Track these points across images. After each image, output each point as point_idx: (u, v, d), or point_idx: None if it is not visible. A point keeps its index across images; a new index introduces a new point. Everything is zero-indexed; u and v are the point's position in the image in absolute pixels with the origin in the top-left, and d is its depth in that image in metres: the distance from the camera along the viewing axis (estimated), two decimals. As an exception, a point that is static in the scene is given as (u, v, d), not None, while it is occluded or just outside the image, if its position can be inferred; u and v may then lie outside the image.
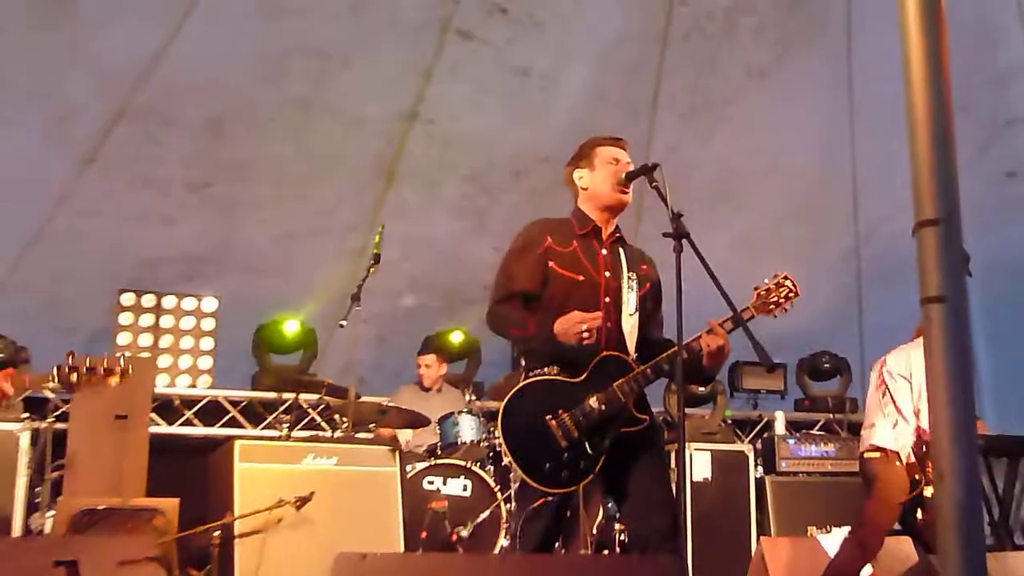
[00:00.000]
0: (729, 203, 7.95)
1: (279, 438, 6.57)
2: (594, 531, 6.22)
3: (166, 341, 7.30)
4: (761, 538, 6.34)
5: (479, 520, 5.98)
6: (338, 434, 6.61)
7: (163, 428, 7.26)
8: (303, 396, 7.32)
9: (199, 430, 7.46)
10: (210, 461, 5.70)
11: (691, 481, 7.01)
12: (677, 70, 7.34)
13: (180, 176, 7.07)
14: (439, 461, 6.26)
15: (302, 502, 5.05)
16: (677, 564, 3.13)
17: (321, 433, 7.52)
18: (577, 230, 3.78)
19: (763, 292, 3.63)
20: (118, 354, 4.58)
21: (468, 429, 6.43)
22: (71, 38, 6.20)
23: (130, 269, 7.40)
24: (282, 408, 7.61)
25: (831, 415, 8.53)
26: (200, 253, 7.52)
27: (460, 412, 6.52)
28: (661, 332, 3.86)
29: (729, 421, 8.04)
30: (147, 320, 7.26)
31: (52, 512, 5.66)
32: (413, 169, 7.49)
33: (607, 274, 3.71)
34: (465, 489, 6.17)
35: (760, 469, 7.39)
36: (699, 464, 7.09)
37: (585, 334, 3.45)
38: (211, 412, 7.53)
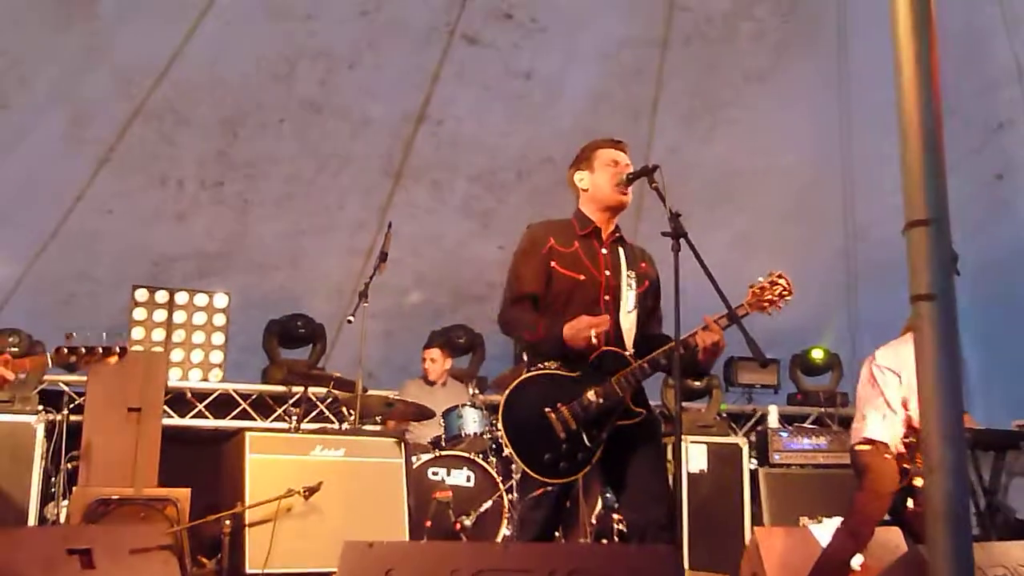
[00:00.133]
0: (727, 203, 7.97)
1: (288, 430, 6.67)
2: (593, 521, 6.24)
3: (179, 336, 7.34)
4: (755, 528, 6.39)
5: (482, 510, 6.04)
6: (346, 426, 6.69)
7: (175, 420, 7.29)
8: (312, 389, 7.27)
9: (210, 422, 7.48)
10: (221, 452, 5.76)
11: (687, 473, 7.04)
12: (677, 74, 7.35)
13: (193, 175, 7.12)
14: (443, 453, 6.31)
15: (310, 492, 5.14)
16: (673, 553, 3.11)
17: (329, 425, 7.49)
18: (578, 231, 3.81)
19: (758, 290, 3.64)
20: (117, 344, 4.69)
21: (471, 422, 6.46)
22: (90, 39, 6.25)
23: (145, 266, 7.45)
24: (291, 401, 7.62)
25: (823, 409, 8.56)
26: (212, 250, 7.57)
27: (464, 405, 6.55)
28: (660, 328, 3.90)
29: (724, 415, 8.05)
30: (160, 315, 7.29)
31: (67, 502, 5.76)
32: (420, 169, 7.52)
33: (607, 273, 3.74)
34: (469, 480, 6.23)
35: (754, 461, 7.43)
36: (695, 456, 7.14)
37: (594, 340, 3.52)
38: (222, 405, 7.56)
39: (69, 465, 6.07)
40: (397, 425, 6.91)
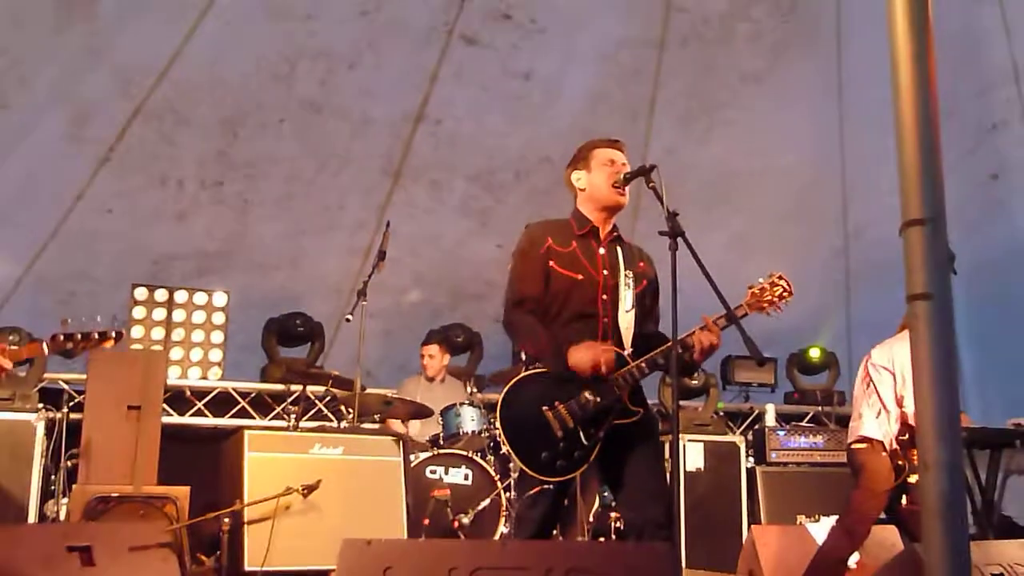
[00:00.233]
0: (724, 204, 8.00)
1: (287, 428, 6.60)
2: (591, 519, 6.27)
3: (178, 334, 7.35)
4: (752, 526, 6.39)
5: (480, 508, 6.06)
6: (344, 425, 6.73)
7: (175, 418, 7.30)
8: (310, 388, 7.31)
9: (209, 420, 7.49)
10: (220, 450, 5.77)
11: (684, 471, 7.05)
12: (674, 75, 7.37)
13: (193, 174, 7.14)
14: (441, 451, 6.33)
15: (309, 490, 5.15)
16: (670, 551, 3.05)
17: (328, 424, 7.52)
18: (576, 230, 3.80)
19: (757, 291, 3.65)
20: (112, 329, 4.70)
21: (469, 420, 6.48)
22: (91, 39, 6.27)
23: (144, 266, 7.47)
24: (290, 399, 7.61)
25: (820, 408, 8.57)
26: (212, 249, 7.58)
27: (462, 403, 6.58)
28: (657, 327, 3.89)
29: (721, 413, 8.07)
30: (160, 314, 7.30)
31: (66, 499, 5.75)
32: (419, 169, 7.54)
33: (605, 272, 3.73)
34: (467, 478, 6.24)
35: (751, 460, 7.45)
36: (692, 455, 7.15)
37: (603, 370, 3.51)
38: (221, 403, 7.57)
39: (69, 463, 6.07)
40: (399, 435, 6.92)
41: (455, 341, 7.99)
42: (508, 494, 6.15)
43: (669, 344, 3.44)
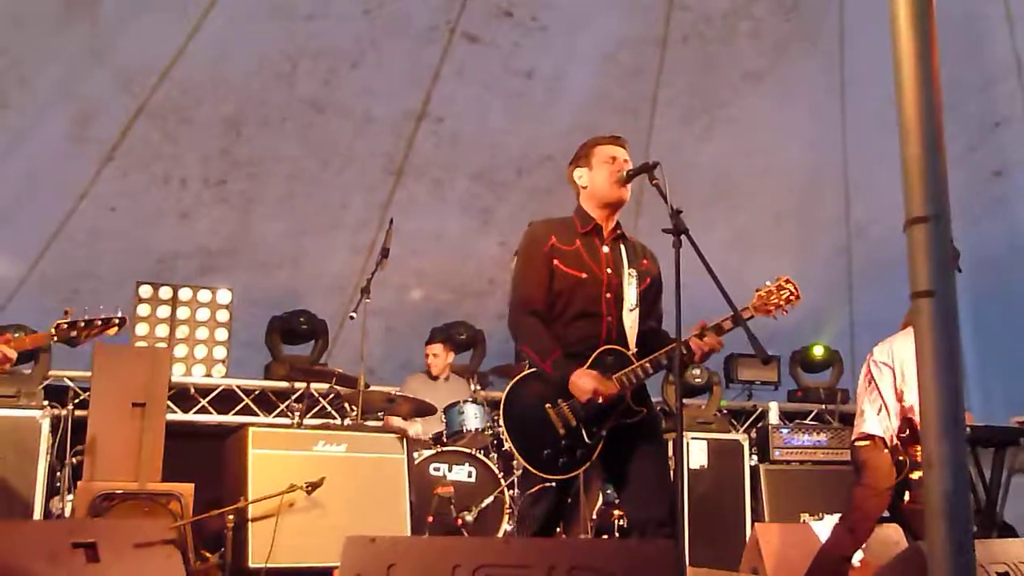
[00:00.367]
0: (725, 202, 7.99)
1: (291, 425, 6.67)
2: (594, 516, 6.32)
3: (182, 332, 7.36)
4: (755, 524, 6.47)
5: (483, 505, 6.09)
6: (348, 422, 6.75)
7: (179, 415, 7.31)
8: (314, 385, 7.36)
9: (214, 417, 7.52)
10: (224, 447, 5.79)
11: (688, 469, 7.07)
12: (676, 73, 7.36)
13: (196, 173, 7.13)
14: (445, 448, 6.36)
15: (313, 487, 5.17)
16: (673, 548, 3.09)
17: (331, 421, 7.61)
18: (579, 228, 3.80)
19: (764, 293, 3.65)
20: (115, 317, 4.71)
21: (473, 417, 6.50)
22: (93, 38, 6.26)
23: (148, 264, 7.47)
24: (294, 397, 7.64)
25: (823, 406, 8.60)
26: (215, 248, 7.59)
27: (465, 401, 6.59)
28: (660, 324, 3.89)
29: (725, 411, 8.07)
30: (164, 312, 7.31)
31: (72, 496, 5.78)
32: (421, 167, 7.54)
33: (609, 271, 3.73)
34: (470, 475, 6.27)
35: (754, 457, 7.47)
36: (696, 452, 7.17)
37: (599, 399, 3.51)
38: (225, 400, 7.58)
39: (74, 459, 6.10)
40: (401, 429, 6.92)
41: (458, 339, 8.00)
42: (511, 492, 6.18)
43: (673, 346, 3.45)
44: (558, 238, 3.77)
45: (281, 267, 7.87)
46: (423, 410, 6.70)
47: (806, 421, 8.51)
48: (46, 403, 6.12)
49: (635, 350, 3.70)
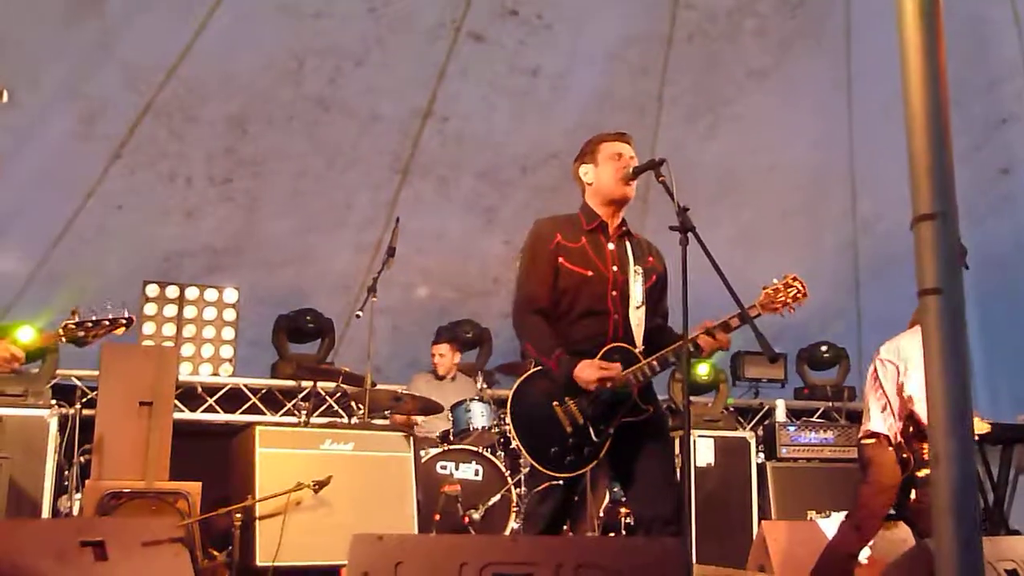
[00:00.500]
0: (731, 199, 7.98)
1: (298, 424, 6.68)
2: (601, 514, 6.32)
3: (189, 331, 7.38)
4: (762, 522, 6.46)
5: (490, 503, 6.11)
6: (354, 420, 6.76)
7: (186, 414, 7.32)
8: (321, 384, 7.33)
9: (221, 416, 7.53)
10: (232, 446, 5.79)
11: (695, 466, 7.07)
12: (681, 71, 7.35)
13: (202, 171, 7.15)
14: (452, 447, 6.36)
15: (320, 485, 5.16)
16: (680, 546, 3.11)
17: (338, 419, 7.61)
18: (585, 226, 3.78)
19: (771, 291, 3.63)
20: (122, 316, 4.70)
21: (479, 416, 6.52)
22: (100, 35, 6.27)
23: (155, 262, 7.49)
24: (301, 395, 7.65)
25: (830, 403, 8.58)
26: (221, 246, 7.60)
27: (472, 399, 6.61)
28: (666, 321, 3.89)
29: (731, 409, 8.07)
30: (171, 311, 7.33)
31: (79, 495, 5.81)
32: (427, 166, 7.55)
33: (614, 268, 3.71)
34: (477, 474, 6.29)
35: (761, 455, 7.46)
36: (703, 450, 7.17)
37: (609, 385, 3.54)
38: (232, 399, 7.60)
39: (82, 458, 6.10)
40: (408, 420, 6.93)
41: (464, 338, 8.01)
42: (518, 490, 6.18)
43: (680, 343, 3.45)
44: (563, 235, 3.75)
45: (287, 266, 7.88)
46: (430, 408, 6.70)
47: (813, 419, 8.50)
48: (54, 402, 6.14)
49: (641, 348, 3.69)
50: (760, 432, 7.72)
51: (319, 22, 6.66)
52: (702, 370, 7.79)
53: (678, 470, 4.13)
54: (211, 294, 7.50)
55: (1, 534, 3.87)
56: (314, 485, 5.18)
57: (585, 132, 4.06)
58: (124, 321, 4.73)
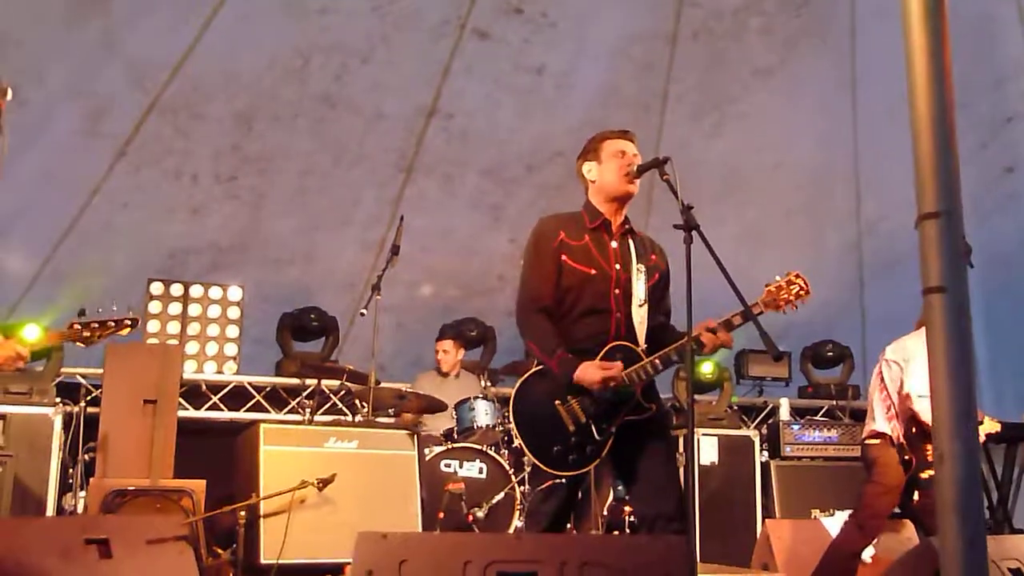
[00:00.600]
0: (736, 197, 7.98)
1: (302, 422, 6.64)
2: (604, 512, 6.32)
3: (193, 329, 7.37)
4: (766, 520, 6.45)
5: (494, 501, 6.10)
6: (359, 418, 6.76)
7: (190, 412, 7.31)
8: (325, 382, 7.35)
9: (225, 414, 7.52)
10: (236, 444, 5.79)
11: (699, 465, 7.05)
12: (686, 69, 7.35)
13: (208, 169, 7.15)
14: (456, 445, 6.36)
15: (324, 483, 5.18)
16: (684, 544, 3.10)
17: (342, 417, 7.61)
18: (588, 223, 3.77)
19: (774, 289, 3.60)
20: (127, 317, 4.70)
21: (483, 414, 6.50)
22: (106, 33, 6.27)
23: (160, 260, 7.49)
24: (305, 393, 7.62)
25: (834, 402, 8.57)
26: (226, 244, 7.60)
27: (476, 397, 6.60)
28: (668, 319, 3.87)
29: (735, 407, 8.06)
30: (175, 308, 7.33)
31: (84, 493, 5.78)
32: (431, 163, 7.54)
33: (617, 266, 3.70)
34: (481, 472, 6.28)
35: (765, 454, 7.45)
36: (706, 449, 7.15)
37: (611, 383, 3.53)
38: (236, 397, 7.59)
39: (86, 456, 6.09)
40: (414, 418, 6.93)
41: (469, 335, 7.99)
42: (522, 488, 6.18)
43: (683, 341, 3.44)
44: (567, 233, 3.75)
45: (292, 263, 7.89)
46: (434, 406, 6.70)
47: (817, 417, 8.51)
48: (58, 400, 6.13)
49: (644, 346, 3.68)
50: (764, 430, 7.71)
51: (324, 19, 6.66)
52: (706, 368, 7.77)
53: (681, 468, 4.12)
54: (216, 292, 7.49)
55: (6, 532, 3.87)
56: (318, 483, 5.19)
57: (590, 130, 4.05)
58: (129, 322, 4.75)
